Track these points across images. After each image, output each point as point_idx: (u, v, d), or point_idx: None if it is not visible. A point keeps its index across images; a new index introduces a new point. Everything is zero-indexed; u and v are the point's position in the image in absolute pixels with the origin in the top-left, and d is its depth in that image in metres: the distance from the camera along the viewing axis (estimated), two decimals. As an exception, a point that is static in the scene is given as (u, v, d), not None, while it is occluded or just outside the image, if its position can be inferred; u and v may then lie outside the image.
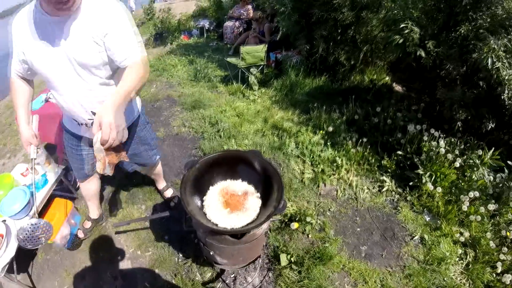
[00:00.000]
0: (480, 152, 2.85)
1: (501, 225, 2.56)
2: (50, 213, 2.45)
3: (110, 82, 1.74)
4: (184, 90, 5.37)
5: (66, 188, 2.92)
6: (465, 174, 2.88)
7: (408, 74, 4.44)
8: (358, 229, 2.72)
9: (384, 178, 3.12)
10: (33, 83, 1.86)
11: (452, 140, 3.06)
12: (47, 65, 1.57)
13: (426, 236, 2.59)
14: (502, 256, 2.31)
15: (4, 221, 2.17)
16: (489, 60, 2.59)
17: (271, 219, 1.74)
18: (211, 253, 1.86)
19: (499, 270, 2.27)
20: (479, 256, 2.41)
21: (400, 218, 2.78)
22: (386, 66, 5.13)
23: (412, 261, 2.44)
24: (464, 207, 2.59)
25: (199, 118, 4.33)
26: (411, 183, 2.99)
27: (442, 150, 2.84)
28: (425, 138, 3.09)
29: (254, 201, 1.90)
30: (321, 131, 3.70)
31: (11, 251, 2.05)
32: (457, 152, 2.93)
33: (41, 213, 2.39)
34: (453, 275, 2.33)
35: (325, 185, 3.12)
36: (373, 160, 3.30)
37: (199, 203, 1.93)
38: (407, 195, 2.97)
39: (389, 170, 3.20)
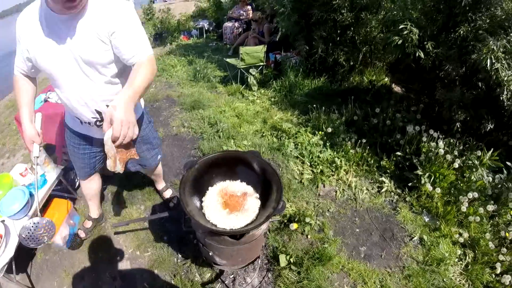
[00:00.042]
0: (479, 153, 2.85)
1: (500, 226, 2.57)
2: (49, 213, 2.44)
3: (115, 81, 1.75)
4: (183, 90, 5.37)
5: (65, 188, 2.91)
6: (464, 175, 2.88)
7: (407, 75, 4.44)
8: (357, 230, 2.72)
9: (383, 178, 3.12)
10: (36, 81, 1.86)
11: (451, 141, 3.07)
12: (52, 63, 1.57)
13: (425, 237, 2.59)
14: (501, 257, 2.31)
15: (3, 221, 2.16)
16: (488, 61, 2.59)
17: (270, 220, 1.74)
18: (210, 253, 1.86)
19: (498, 271, 2.27)
20: (478, 256, 2.41)
21: (399, 219, 2.78)
22: (385, 67, 5.14)
23: (412, 262, 2.44)
24: (463, 208, 2.59)
25: (198, 119, 4.33)
26: (410, 184, 2.99)
27: (441, 151, 2.84)
28: (424, 139, 3.09)
29: (253, 202, 1.90)
30: (320, 132, 3.70)
31: (10, 251, 2.04)
32: (456, 153, 2.93)
33: (40, 214, 2.38)
34: (453, 275, 2.33)
35: (324, 185, 3.12)
36: (372, 161, 3.30)
37: (198, 203, 1.93)
38: (406, 195, 2.97)
39: (388, 171, 3.21)
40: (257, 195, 1.95)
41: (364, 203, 2.95)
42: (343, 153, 3.38)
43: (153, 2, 12.41)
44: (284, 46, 6.17)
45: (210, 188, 2.02)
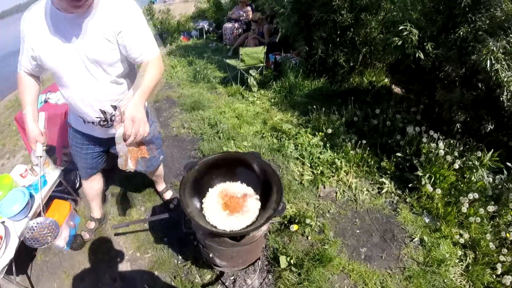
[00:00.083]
0: (479, 153, 2.85)
1: (501, 227, 2.56)
2: (50, 215, 2.43)
3: (121, 81, 1.76)
4: (183, 91, 5.37)
5: (66, 190, 2.91)
6: (465, 175, 2.88)
7: (407, 76, 4.44)
8: (358, 231, 2.72)
9: (384, 179, 3.12)
10: (40, 80, 1.85)
11: (451, 141, 3.07)
12: (58, 62, 1.57)
13: (425, 238, 2.58)
14: (502, 258, 2.31)
15: (3, 222, 2.16)
16: (488, 62, 2.59)
17: (270, 221, 1.74)
18: (211, 255, 1.86)
19: (499, 272, 2.27)
20: (479, 257, 2.41)
21: (400, 220, 2.78)
22: (385, 68, 5.15)
23: (412, 263, 2.43)
24: (464, 209, 2.59)
25: (198, 119, 4.33)
26: (410, 185, 2.99)
27: (441, 152, 2.84)
28: (424, 139, 3.09)
29: (253, 203, 1.90)
30: (320, 133, 3.70)
31: (10, 253, 2.04)
32: (456, 153, 2.93)
33: (40, 215, 2.38)
34: (453, 276, 2.33)
35: (324, 187, 3.12)
36: (372, 162, 3.30)
37: (198, 205, 1.93)
38: (406, 196, 2.97)
39: (389, 172, 3.20)
40: (257, 197, 1.95)
41: (364, 204, 2.95)
42: (343, 154, 3.38)
43: (153, 3, 12.41)
44: (284, 47, 6.18)
45: (210, 189, 2.02)
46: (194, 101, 4.79)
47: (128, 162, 1.40)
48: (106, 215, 2.87)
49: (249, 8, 8.32)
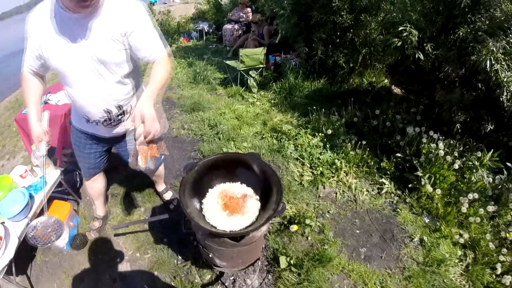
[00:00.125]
0: (479, 154, 2.86)
1: (501, 227, 2.56)
2: (49, 215, 2.44)
3: (126, 81, 1.77)
4: (183, 92, 5.38)
5: (67, 191, 2.91)
6: (464, 176, 2.88)
7: (407, 77, 4.44)
8: (358, 231, 2.72)
9: (383, 180, 3.12)
10: (45, 79, 1.86)
11: (451, 142, 3.07)
12: (65, 61, 1.58)
13: (425, 238, 2.58)
14: (501, 258, 2.31)
15: (3, 223, 2.16)
16: (488, 62, 2.59)
17: (270, 222, 1.74)
18: (210, 255, 1.86)
19: (498, 271, 2.27)
20: (478, 257, 2.40)
21: (400, 220, 2.78)
22: (385, 68, 5.15)
23: (412, 263, 2.43)
24: (464, 209, 2.59)
25: (198, 121, 4.34)
26: (410, 185, 2.99)
27: (441, 152, 2.84)
28: (424, 140, 3.10)
29: (253, 204, 1.90)
30: (320, 134, 3.71)
31: (10, 253, 2.04)
32: (456, 154, 2.93)
33: (40, 215, 2.38)
34: (453, 276, 2.32)
35: (324, 187, 3.12)
36: (372, 163, 3.30)
37: (198, 205, 1.93)
38: (406, 197, 2.97)
39: (388, 172, 3.21)
40: (257, 197, 1.95)
41: (364, 205, 2.95)
42: (343, 154, 3.38)
43: (153, 4, 12.43)
44: (284, 48, 6.19)
45: (210, 190, 2.02)
46: (194, 102, 4.79)
47: (148, 160, 1.40)
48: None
49: (249, 9, 8.33)
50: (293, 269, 2.34)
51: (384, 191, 3.04)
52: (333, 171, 3.25)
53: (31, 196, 2.33)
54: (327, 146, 3.52)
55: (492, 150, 2.85)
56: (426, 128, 3.24)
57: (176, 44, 8.86)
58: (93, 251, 2.59)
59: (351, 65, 5.05)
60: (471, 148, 3.03)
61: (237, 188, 2.01)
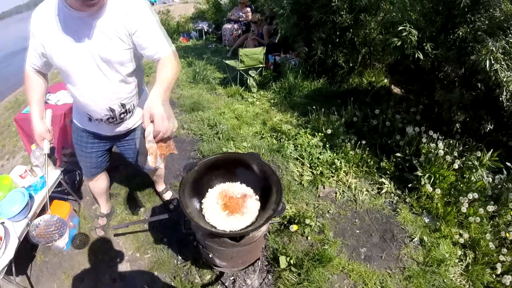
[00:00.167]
0: (478, 153, 2.86)
1: (501, 226, 2.57)
2: (49, 216, 2.44)
3: (130, 80, 1.77)
4: (183, 92, 5.37)
5: (65, 190, 2.91)
6: (464, 175, 2.88)
7: (406, 76, 4.45)
8: (358, 231, 2.72)
9: (383, 180, 3.12)
10: (47, 77, 1.85)
11: (451, 141, 3.07)
12: (69, 59, 1.57)
13: (425, 238, 2.59)
14: (501, 257, 2.31)
15: (2, 223, 2.16)
16: (487, 62, 2.60)
17: (270, 222, 1.74)
18: (210, 255, 1.86)
19: (499, 271, 2.27)
20: (478, 257, 2.41)
21: (399, 220, 2.78)
22: (385, 68, 5.16)
23: (412, 263, 2.43)
24: (463, 209, 2.59)
25: (198, 120, 4.34)
26: (410, 185, 2.99)
27: (441, 152, 2.84)
28: (424, 140, 3.10)
29: (253, 204, 1.90)
30: (319, 134, 3.71)
31: (10, 253, 2.04)
32: (455, 153, 2.93)
33: (40, 215, 2.38)
34: (453, 276, 2.33)
35: (324, 187, 3.12)
36: (372, 162, 3.30)
37: (198, 205, 1.92)
38: (406, 196, 2.97)
39: (388, 172, 3.21)
40: (257, 197, 1.95)
41: (364, 204, 2.95)
42: (342, 154, 3.38)
43: (153, 4, 12.42)
44: (284, 47, 6.18)
45: (209, 190, 2.01)
46: (193, 102, 4.79)
47: (158, 159, 1.40)
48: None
49: (248, 9, 8.33)
50: (293, 269, 2.34)
51: (384, 191, 3.04)
52: (333, 171, 3.25)
53: (30, 196, 2.33)
54: (327, 145, 3.52)
55: (492, 150, 2.85)
56: (425, 128, 3.24)
57: (175, 44, 8.83)
58: (93, 251, 2.59)
59: (351, 64, 5.05)
60: (471, 148, 3.03)
61: (237, 188, 2.01)
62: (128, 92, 1.80)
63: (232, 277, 2.33)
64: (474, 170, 2.81)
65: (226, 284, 2.28)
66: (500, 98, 2.71)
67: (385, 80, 5.02)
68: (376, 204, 2.94)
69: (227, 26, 8.34)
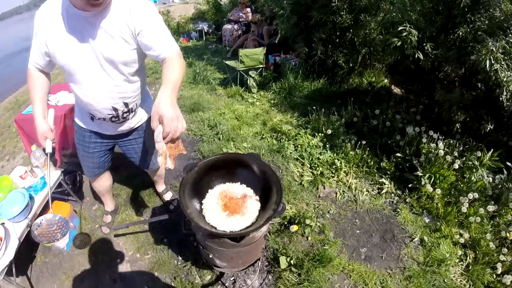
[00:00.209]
0: (479, 153, 2.85)
1: (501, 226, 2.56)
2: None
3: (133, 79, 1.77)
4: (183, 92, 5.37)
5: (65, 191, 2.91)
6: (464, 175, 2.88)
7: (406, 77, 4.44)
8: (358, 231, 2.72)
9: (383, 180, 3.12)
10: (50, 76, 1.85)
11: (451, 141, 3.07)
12: (73, 59, 1.57)
13: (425, 238, 2.58)
14: (502, 257, 2.31)
15: (3, 224, 2.16)
16: (487, 62, 2.59)
17: (270, 222, 1.74)
18: (210, 256, 1.86)
19: (499, 271, 2.27)
20: (479, 257, 2.41)
21: (400, 220, 2.78)
22: (385, 68, 5.15)
23: (412, 263, 2.43)
24: (464, 209, 2.59)
25: (198, 121, 4.34)
26: (410, 185, 2.99)
27: (441, 152, 2.84)
28: (424, 140, 3.10)
29: (253, 204, 1.90)
30: (320, 134, 3.70)
31: (10, 254, 2.04)
32: (456, 153, 2.93)
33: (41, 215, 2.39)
34: (453, 276, 2.32)
35: (324, 187, 3.12)
36: (372, 162, 3.30)
37: (198, 206, 1.92)
38: (406, 197, 2.97)
39: (388, 172, 3.21)
40: (257, 197, 1.95)
41: (364, 205, 2.95)
42: (343, 154, 3.38)
43: (153, 5, 12.42)
44: (284, 48, 6.19)
45: (210, 190, 2.01)
46: (193, 102, 4.79)
47: (168, 160, 1.40)
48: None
49: (248, 9, 8.33)
50: (293, 269, 2.34)
51: (384, 191, 3.04)
52: (333, 171, 3.25)
53: (31, 197, 2.33)
54: (327, 146, 3.52)
55: (492, 149, 2.85)
56: (426, 128, 3.24)
57: (175, 44, 8.85)
58: (93, 252, 2.60)
59: (351, 65, 5.05)
60: (471, 147, 3.03)
61: (237, 189, 2.01)
62: (132, 91, 1.80)
63: (233, 278, 2.33)
64: (474, 170, 2.81)
65: (226, 284, 2.28)
66: (500, 98, 2.71)
67: (385, 80, 5.02)
68: (376, 204, 2.94)
69: (227, 26, 8.35)
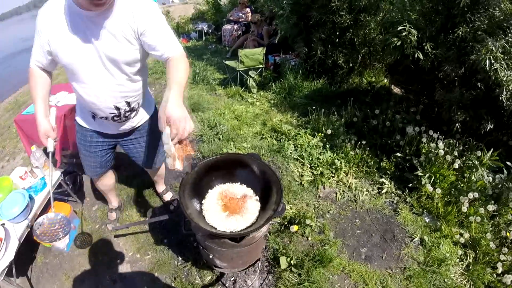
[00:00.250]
0: (479, 153, 2.85)
1: (501, 226, 2.56)
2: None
3: (136, 79, 1.77)
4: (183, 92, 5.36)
5: (65, 191, 2.91)
6: (464, 175, 2.88)
7: (406, 76, 4.45)
8: (358, 231, 2.72)
9: (383, 180, 3.12)
10: (51, 75, 1.85)
11: (451, 141, 3.07)
12: (76, 58, 1.57)
13: (426, 238, 2.58)
14: (502, 257, 2.31)
15: (3, 224, 2.16)
16: (487, 62, 2.59)
17: (270, 222, 1.74)
18: (211, 256, 1.86)
19: (499, 271, 2.27)
20: (479, 257, 2.41)
21: (400, 220, 2.78)
22: (385, 68, 5.15)
23: (412, 263, 2.43)
24: (464, 208, 2.59)
25: (198, 121, 4.34)
26: (410, 185, 2.99)
27: (441, 152, 2.84)
28: (424, 139, 3.10)
29: (253, 204, 1.90)
30: (320, 134, 3.70)
31: (10, 255, 2.04)
32: (456, 153, 2.93)
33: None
34: (454, 276, 2.32)
35: (324, 187, 3.12)
36: (372, 162, 3.30)
37: (198, 206, 1.92)
38: (406, 196, 2.97)
39: (388, 172, 3.20)
40: (257, 198, 1.95)
41: (364, 205, 2.95)
42: (343, 154, 3.38)
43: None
44: (283, 48, 6.19)
45: (210, 190, 2.01)
46: (193, 102, 4.79)
47: (176, 161, 1.39)
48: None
49: (248, 9, 8.33)
50: (293, 269, 2.34)
51: (384, 191, 3.04)
52: (333, 171, 3.25)
53: (31, 198, 2.33)
54: (327, 146, 3.51)
55: (492, 149, 2.85)
56: (425, 128, 3.24)
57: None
58: (93, 253, 2.60)
59: (351, 65, 5.05)
60: (471, 147, 3.03)
61: (237, 189, 2.00)
62: (134, 90, 1.81)
63: (233, 278, 2.33)
64: (474, 170, 2.81)
65: (226, 284, 2.28)
66: (500, 98, 2.71)
67: (385, 80, 5.02)
68: (376, 204, 2.94)
69: (227, 26, 8.35)
